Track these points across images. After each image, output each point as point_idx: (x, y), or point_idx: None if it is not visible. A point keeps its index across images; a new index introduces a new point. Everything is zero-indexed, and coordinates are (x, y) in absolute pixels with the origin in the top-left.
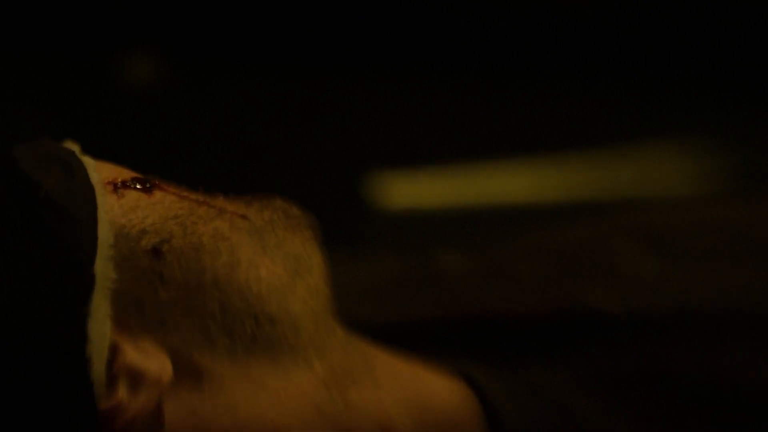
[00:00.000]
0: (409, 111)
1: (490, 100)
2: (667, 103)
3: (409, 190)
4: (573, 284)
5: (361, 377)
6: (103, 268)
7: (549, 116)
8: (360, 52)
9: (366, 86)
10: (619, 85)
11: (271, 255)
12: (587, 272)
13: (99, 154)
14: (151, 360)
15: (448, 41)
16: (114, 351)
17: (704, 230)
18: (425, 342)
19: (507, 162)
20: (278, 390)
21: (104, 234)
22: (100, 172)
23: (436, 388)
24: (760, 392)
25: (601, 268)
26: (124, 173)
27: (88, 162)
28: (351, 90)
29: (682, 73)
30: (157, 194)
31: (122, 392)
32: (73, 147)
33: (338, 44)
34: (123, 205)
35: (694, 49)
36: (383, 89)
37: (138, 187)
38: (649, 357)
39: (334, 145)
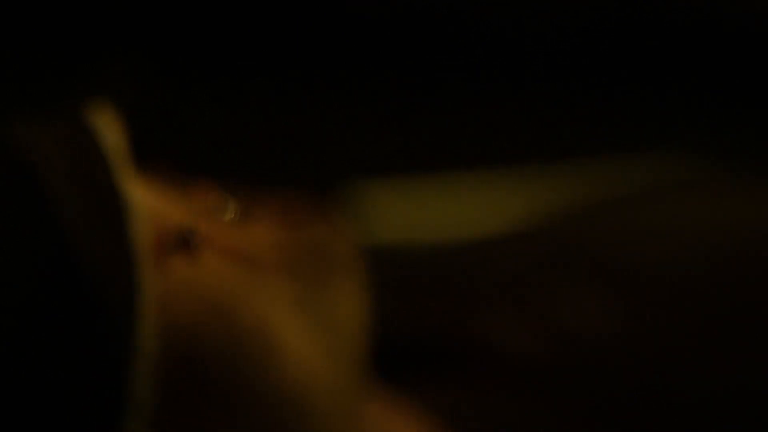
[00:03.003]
0: (390, 127)
1: (471, 114)
2: (638, 119)
3: (392, 207)
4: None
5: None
6: (145, 387)
7: (531, 131)
8: (341, 67)
9: (348, 101)
10: (605, 101)
11: (315, 334)
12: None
13: None
14: None
15: (432, 56)
16: None
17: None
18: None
19: (485, 176)
20: None
21: (150, 340)
22: (144, 215)
23: None
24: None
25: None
26: (167, 215)
27: (134, 206)
28: (333, 105)
29: (658, 90)
30: (203, 259)
31: None
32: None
33: (320, 61)
34: (166, 288)
35: (666, 68)
36: (366, 104)
37: (183, 247)
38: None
39: (312, 162)
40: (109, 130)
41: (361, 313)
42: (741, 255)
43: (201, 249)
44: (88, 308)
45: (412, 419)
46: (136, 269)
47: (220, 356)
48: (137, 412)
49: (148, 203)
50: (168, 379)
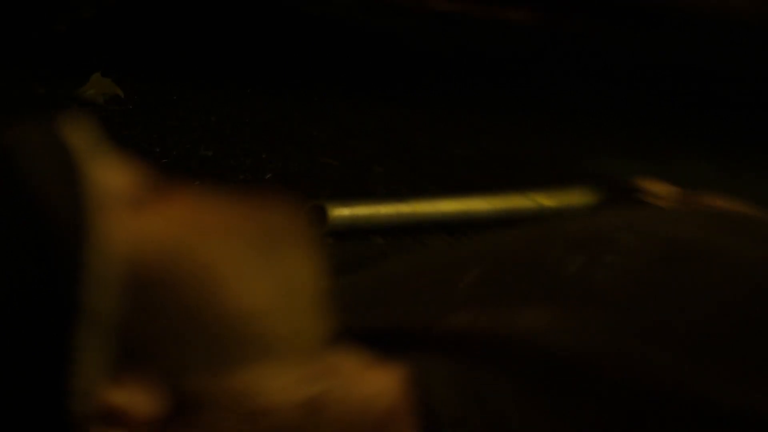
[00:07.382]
0: (359, 139)
1: (435, 134)
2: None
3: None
4: (512, 305)
5: (330, 383)
6: (105, 299)
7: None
8: (312, 76)
9: (317, 110)
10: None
11: (266, 276)
12: (530, 293)
13: None
14: (140, 399)
15: (405, 75)
16: (103, 389)
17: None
18: (385, 342)
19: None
20: (257, 402)
21: (113, 262)
22: (114, 179)
23: (385, 391)
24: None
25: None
26: (138, 178)
27: (98, 169)
28: (304, 113)
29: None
30: (174, 207)
31: None
32: (84, 136)
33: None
34: (136, 224)
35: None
36: (335, 113)
37: (154, 197)
38: (581, 370)
39: (281, 172)
40: (79, 129)
41: (311, 275)
42: (669, 269)
43: (152, 209)
44: (49, 243)
45: (382, 375)
46: (88, 216)
47: (181, 280)
48: (92, 323)
49: (112, 179)
50: (132, 296)
